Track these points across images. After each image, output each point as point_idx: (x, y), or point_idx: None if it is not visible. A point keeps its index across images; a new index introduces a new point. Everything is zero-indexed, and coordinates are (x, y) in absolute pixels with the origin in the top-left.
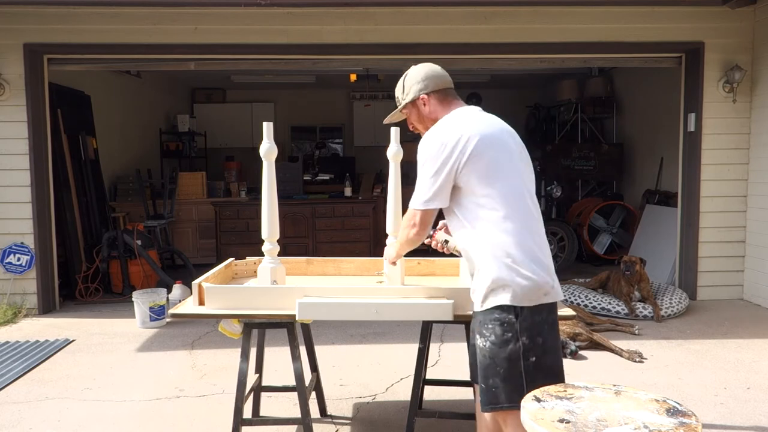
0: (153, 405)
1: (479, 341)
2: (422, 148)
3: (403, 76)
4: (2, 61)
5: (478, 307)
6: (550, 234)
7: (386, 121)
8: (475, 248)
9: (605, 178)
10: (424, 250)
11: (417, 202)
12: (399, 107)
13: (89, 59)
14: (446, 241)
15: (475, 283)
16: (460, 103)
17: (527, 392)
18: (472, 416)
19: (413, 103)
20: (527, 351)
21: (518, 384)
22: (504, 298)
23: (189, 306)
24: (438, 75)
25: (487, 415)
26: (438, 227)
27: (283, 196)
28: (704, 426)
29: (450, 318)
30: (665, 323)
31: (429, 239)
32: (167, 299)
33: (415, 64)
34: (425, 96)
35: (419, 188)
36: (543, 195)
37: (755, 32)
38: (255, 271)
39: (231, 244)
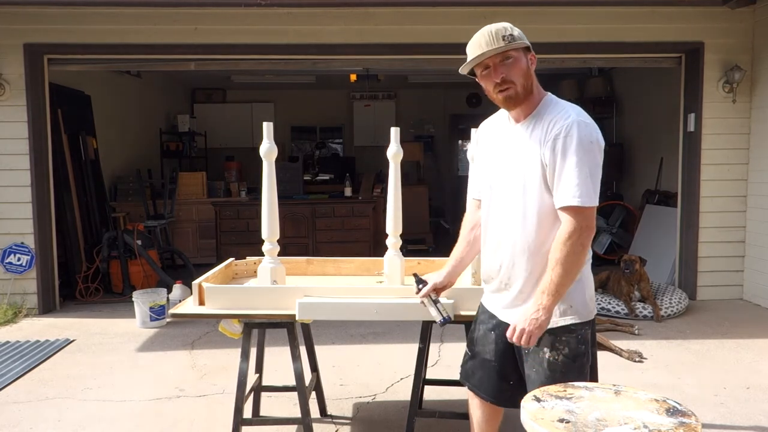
0: (153, 405)
1: (549, 355)
2: (581, 136)
3: (503, 23)
4: (2, 61)
5: (553, 323)
6: None
7: (465, 68)
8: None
9: (605, 178)
10: (425, 250)
11: (589, 195)
12: (517, 43)
13: (89, 59)
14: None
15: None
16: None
17: None
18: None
19: (527, 51)
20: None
21: None
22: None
23: (189, 306)
24: None
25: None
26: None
27: (283, 196)
28: (704, 426)
29: (450, 318)
30: (665, 323)
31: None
32: (167, 299)
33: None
34: (534, 56)
35: (591, 178)
36: None
37: (755, 32)
38: (255, 271)
39: (231, 244)
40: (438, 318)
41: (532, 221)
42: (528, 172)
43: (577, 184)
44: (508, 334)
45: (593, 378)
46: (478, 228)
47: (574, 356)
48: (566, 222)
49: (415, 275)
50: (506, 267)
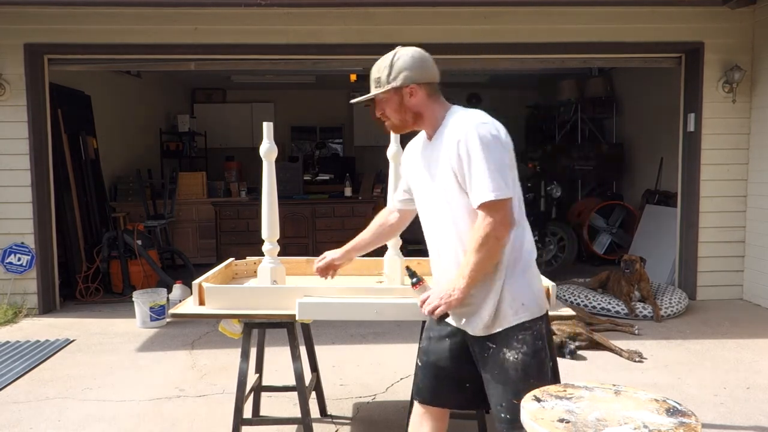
0: (153, 405)
1: (509, 355)
2: (480, 135)
3: (392, 55)
4: (2, 61)
5: (507, 323)
6: (550, 234)
7: (355, 101)
8: (508, 259)
9: (605, 178)
10: (425, 251)
11: (501, 189)
12: (379, 91)
13: (89, 59)
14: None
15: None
16: (448, 104)
17: None
18: (472, 416)
19: (397, 90)
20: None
21: None
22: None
23: (189, 306)
24: (430, 65)
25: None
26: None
27: (283, 196)
28: (704, 426)
29: None
30: (665, 323)
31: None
32: (167, 299)
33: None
34: (415, 86)
35: (496, 173)
36: (543, 195)
37: (755, 32)
38: (255, 271)
39: (231, 244)
40: None
41: (463, 228)
42: (446, 184)
43: (486, 181)
44: (420, 299)
45: (555, 372)
46: (387, 226)
47: (533, 352)
48: (480, 216)
49: (408, 268)
50: (451, 273)
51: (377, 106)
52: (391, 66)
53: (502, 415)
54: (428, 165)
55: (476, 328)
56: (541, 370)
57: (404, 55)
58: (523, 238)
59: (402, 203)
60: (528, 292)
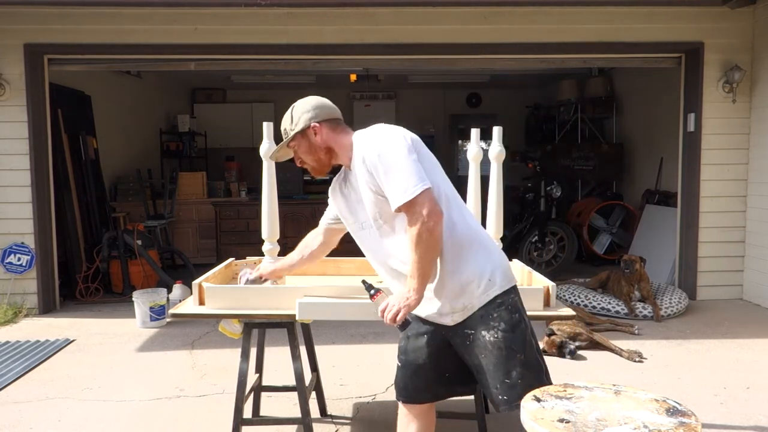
0: (153, 405)
1: (488, 336)
2: (376, 145)
3: (291, 108)
4: (2, 61)
5: (479, 302)
6: (550, 234)
7: (271, 157)
8: (455, 242)
9: (605, 178)
10: None
11: (412, 185)
12: (286, 139)
13: (89, 59)
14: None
15: (459, 279)
16: (353, 131)
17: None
18: (472, 416)
19: (303, 133)
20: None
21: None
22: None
23: (189, 306)
24: (327, 105)
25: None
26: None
27: (283, 196)
28: (704, 426)
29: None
30: (665, 323)
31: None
32: (167, 299)
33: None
34: (317, 124)
35: (405, 173)
36: (543, 195)
37: (755, 32)
38: None
39: (231, 244)
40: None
41: (399, 239)
42: (371, 203)
43: (396, 184)
44: (380, 309)
45: (535, 342)
46: (311, 249)
47: (512, 327)
48: (408, 217)
49: (363, 282)
50: (400, 281)
51: (294, 156)
52: (291, 116)
53: (500, 397)
54: (352, 192)
55: (452, 317)
56: (525, 342)
57: (300, 103)
58: (454, 219)
59: (329, 225)
60: (489, 266)
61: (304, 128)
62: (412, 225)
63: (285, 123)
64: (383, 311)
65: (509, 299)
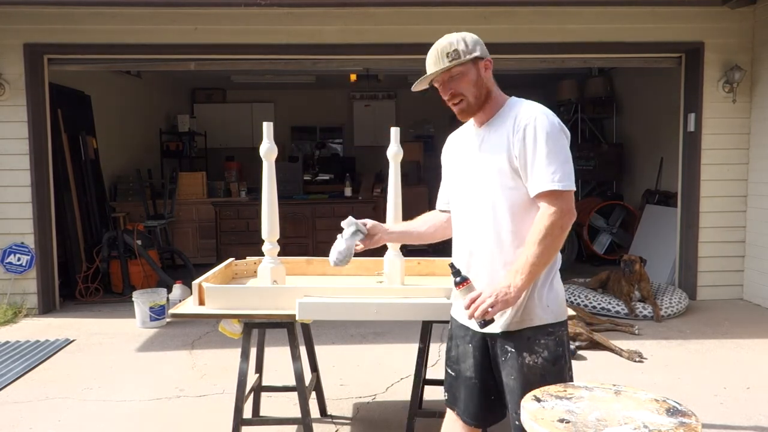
0: (153, 405)
1: (528, 359)
2: (550, 124)
3: (457, 33)
4: (2, 61)
5: (531, 322)
6: None
7: (429, 75)
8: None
9: (605, 178)
10: (424, 250)
11: (569, 179)
12: (458, 61)
13: (89, 59)
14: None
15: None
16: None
17: None
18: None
19: (475, 62)
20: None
21: None
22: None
23: (189, 306)
24: None
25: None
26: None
27: (283, 196)
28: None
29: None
30: (665, 323)
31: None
32: (167, 299)
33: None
34: (489, 61)
35: (565, 165)
36: None
37: (755, 32)
38: (255, 271)
39: (231, 244)
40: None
41: (505, 227)
42: (496, 172)
43: (554, 170)
44: (465, 304)
45: (570, 381)
46: (433, 227)
47: (553, 359)
48: (545, 206)
49: (451, 266)
50: (483, 273)
51: (448, 84)
52: (465, 41)
53: (517, 422)
54: (476, 153)
55: (500, 323)
56: (559, 378)
57: (468, 33)
58: None
59: (447, 208)
60: (555, 295)
61: (482, 56)
62: (548, 215)
63: (456, 44)
64: (472, 301)
65: (559, 332)
